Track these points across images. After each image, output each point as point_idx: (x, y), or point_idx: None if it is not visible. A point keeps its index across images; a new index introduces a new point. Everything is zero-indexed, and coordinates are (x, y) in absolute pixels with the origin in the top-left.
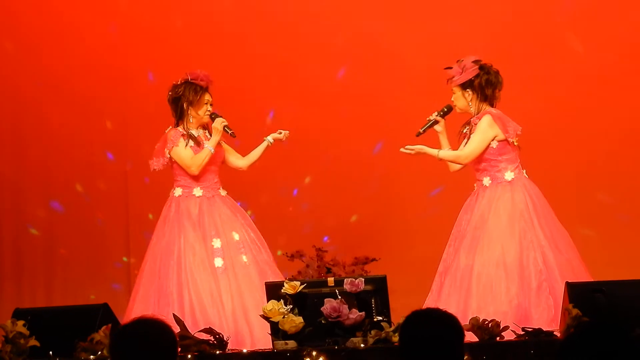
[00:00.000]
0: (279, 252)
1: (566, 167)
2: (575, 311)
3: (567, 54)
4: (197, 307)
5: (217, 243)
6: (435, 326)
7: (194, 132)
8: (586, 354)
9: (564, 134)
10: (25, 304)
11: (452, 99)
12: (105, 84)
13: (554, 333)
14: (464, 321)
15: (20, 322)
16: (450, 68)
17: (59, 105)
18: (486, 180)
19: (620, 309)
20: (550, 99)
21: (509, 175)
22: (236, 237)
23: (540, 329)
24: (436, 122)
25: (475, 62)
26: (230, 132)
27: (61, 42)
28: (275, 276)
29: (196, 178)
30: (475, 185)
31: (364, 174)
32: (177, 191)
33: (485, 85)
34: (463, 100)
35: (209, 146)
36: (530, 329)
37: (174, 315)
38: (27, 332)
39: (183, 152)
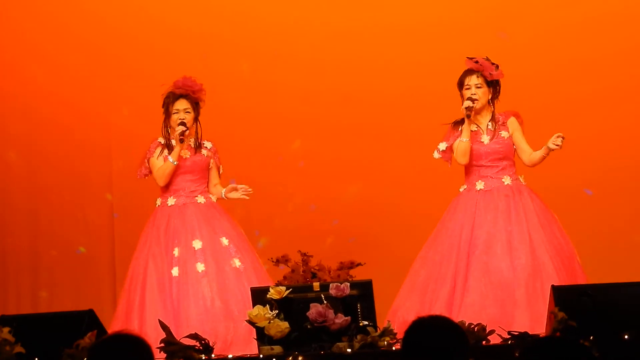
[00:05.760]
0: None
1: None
2: (560, 314)
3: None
4: (149, 317)
5: (176, 252)
6: (440, 334)
7: (173, 141)
8: None
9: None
10: (10, 310)
11: (474, 93)
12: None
13: (540, 336)
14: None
15: (6, 329)
16: (475, 60)
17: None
18: (507, 179)
19: (606, 313)
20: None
21: (522, 179)
22: (197, 245)
23: (526, 333)
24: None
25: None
26: (180, 137)
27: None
28: (240, 283)
29: (169, 188)
30: (482, 183)
31: (350, 177)
32: (157, 201)
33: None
34: (487, 96)
35: (170, 158)
36: (515, 333)
37: (159, 321)
38: (12, 339)
39: (154, 163)
